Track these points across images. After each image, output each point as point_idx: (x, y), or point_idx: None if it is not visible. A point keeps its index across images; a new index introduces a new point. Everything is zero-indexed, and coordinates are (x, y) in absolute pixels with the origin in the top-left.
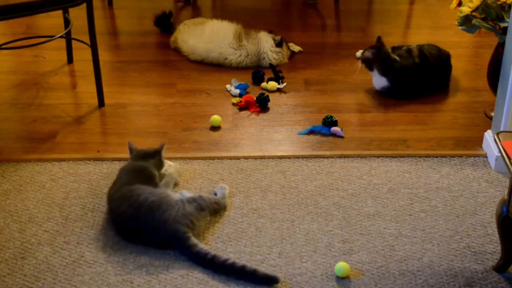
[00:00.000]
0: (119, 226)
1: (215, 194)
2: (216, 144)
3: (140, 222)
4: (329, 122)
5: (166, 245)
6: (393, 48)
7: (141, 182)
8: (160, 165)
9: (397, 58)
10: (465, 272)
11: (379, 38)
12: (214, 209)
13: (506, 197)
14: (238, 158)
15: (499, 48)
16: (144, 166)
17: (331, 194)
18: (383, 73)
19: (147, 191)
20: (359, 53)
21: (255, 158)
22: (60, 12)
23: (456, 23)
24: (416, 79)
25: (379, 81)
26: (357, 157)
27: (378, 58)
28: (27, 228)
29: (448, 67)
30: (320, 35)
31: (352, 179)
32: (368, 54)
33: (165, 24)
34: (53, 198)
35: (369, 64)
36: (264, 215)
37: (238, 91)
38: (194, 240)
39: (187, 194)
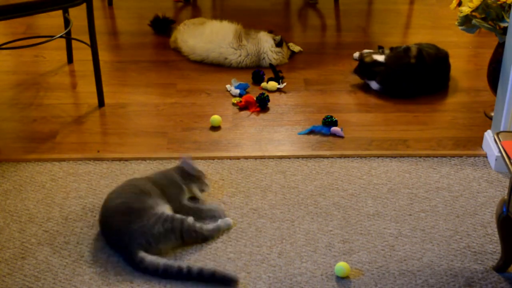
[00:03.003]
0: (100, 218)
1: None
2: (216, 144)
3: (107, 222)
4: (329, 122)
5: (119, 253)
6: (391, 49)
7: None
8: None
9: (381, 60)
10: (465, 272)
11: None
12: (191, 237)
13: (506, 197)
14: (238, 158)
15: (499, 48)
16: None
17: (331, 194)
18: (368, 79)
19: (133, 194)
20: (356, 55)
21: (255, 158)
22: (60, 12)
23: (456, 23)
24: (410, 78)
25: (371, 84)
26: (357, 157)
27: (359, 68)
28: (27, 228)
29: (447, 66)
30: (320, 35)
31: (352, 179)
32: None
33: (162, 27)
34: (53, 198)
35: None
36: (264, 215)
37: (238, 91)
38: (140, 255)
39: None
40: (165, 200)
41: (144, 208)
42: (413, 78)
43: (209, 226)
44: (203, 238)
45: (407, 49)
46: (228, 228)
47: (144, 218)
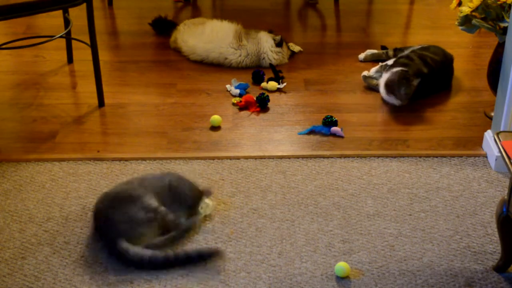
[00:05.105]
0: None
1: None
2: (216, 144)
3: (97, 209)
4: (329, 122)
5: (104, 244)
6: (395, 50)
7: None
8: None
9: (414, 81)
10: (465, 272)
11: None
12: (169, 229)
13: (506, 197)
14: (238, 158)
15: (499, 48)
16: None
17: (331, 194)
18: (403, 99)
19: (125, 186)
20: (361, 56)
21: (255, 158)
22: (60, 12)
23: (456, 23)
24: (424, 88)
25: (392, 100)
26: (357, 157)
27: (405, 88)
28: (27, 228)
29: (451, 70)
30: (320, 35)
31: (352, 179)
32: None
33: (164, 28)
34: (53, 198)
35: (391, 89)
36: (264, 215)
37: (238, 91)
38: (124, 246)
39: None
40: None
41: (132, 197)
42: (425, 88)
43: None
44: (181, 231)
45: (409, 58)
46: (198, 226)
47: (131, 205)
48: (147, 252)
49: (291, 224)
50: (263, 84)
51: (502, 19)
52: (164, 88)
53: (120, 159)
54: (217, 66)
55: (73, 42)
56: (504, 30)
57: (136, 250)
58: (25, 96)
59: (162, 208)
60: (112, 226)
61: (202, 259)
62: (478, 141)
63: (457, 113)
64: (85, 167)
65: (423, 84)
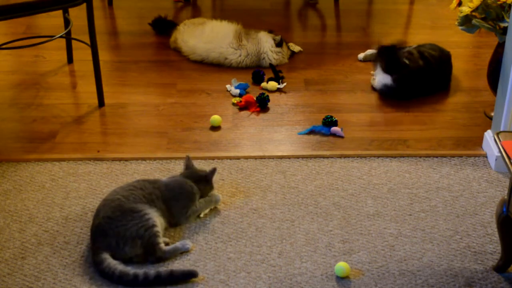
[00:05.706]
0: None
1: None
2: (216, 144)
3: (97, 212)
4: (329, 122)
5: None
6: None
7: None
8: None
9: (407, 61)
10: (465, 272)
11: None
12: (149, 250)
13: (506, 197)
14: (238, 158)
15: (499, 48)
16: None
17: (331, 194)
18: (386, 70)
19: (133, 195)
20: (361, 56)
21: (255, 158)
22: (60, 12)
23: (456, 23)
24: (420, 81)
25: (382, 79)
26: (357, 157)
27: (383, 54)
28: (27, 228)
29: (449, 67)
30: (320, 35)
31: (352, 179)
32: (373, 50)
33: (164, 28)
34: (53, 198)
35: (374, 60)
36: (264, 215)
37: (238, 91)
38: (102, 256)
39: None
40: (161, 212)
41: (132, 211)
42: (421, 82)
43: (167, 247)
44: (157, 257)
45: (410, 53)
46: (186, 251)
47: (128, 219)
48: (119, 267)
49: (291, 224)
50: (263, 84)
51: (502, 19)
52: (164, 88)
53: (120, 159)
54: (217, 66)
55: (73, 42)
56: (504, 30)
57: (110, 263)
58: (25, 96)
59: (155, 229)
60: (101, 236)
61: (174, 279)
62: (478, 141)
63: (457, 113)
64: (85, 167)
65: (422, 79)
